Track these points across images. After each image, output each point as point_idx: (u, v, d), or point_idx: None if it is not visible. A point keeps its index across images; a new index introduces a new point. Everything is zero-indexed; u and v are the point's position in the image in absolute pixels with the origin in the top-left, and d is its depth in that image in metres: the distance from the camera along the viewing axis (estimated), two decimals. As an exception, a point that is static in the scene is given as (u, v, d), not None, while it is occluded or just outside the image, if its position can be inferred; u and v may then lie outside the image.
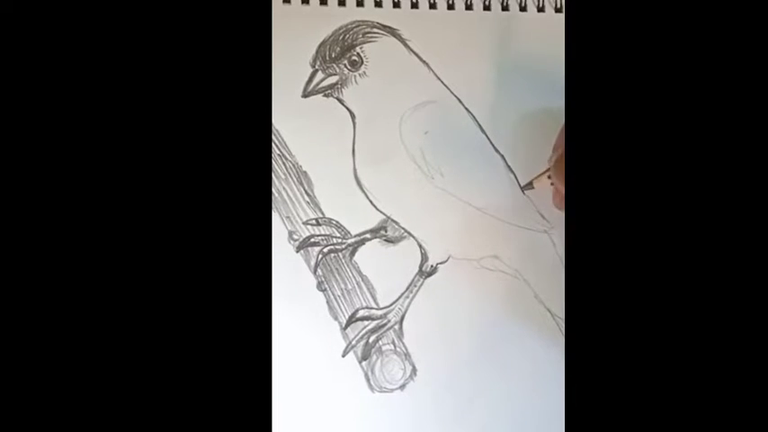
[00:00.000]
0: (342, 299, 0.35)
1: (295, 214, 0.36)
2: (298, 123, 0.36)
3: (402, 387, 0.34)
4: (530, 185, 0.35)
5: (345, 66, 0.36)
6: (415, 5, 0.38)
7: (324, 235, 0.35)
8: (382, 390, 0.34)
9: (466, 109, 0.36)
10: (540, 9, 0.39)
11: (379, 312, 0.35)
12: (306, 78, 0.36)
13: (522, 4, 0.39)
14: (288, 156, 0.36)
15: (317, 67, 0.36)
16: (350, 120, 0.36)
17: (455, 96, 0.37)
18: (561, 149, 0.31)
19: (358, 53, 0.37)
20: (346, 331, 0.35)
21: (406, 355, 0.34)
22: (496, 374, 0.34)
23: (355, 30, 0.37)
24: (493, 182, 0.36)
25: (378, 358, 0.34)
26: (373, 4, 0.38)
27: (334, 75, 0.36)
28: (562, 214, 0.33)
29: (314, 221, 0.35)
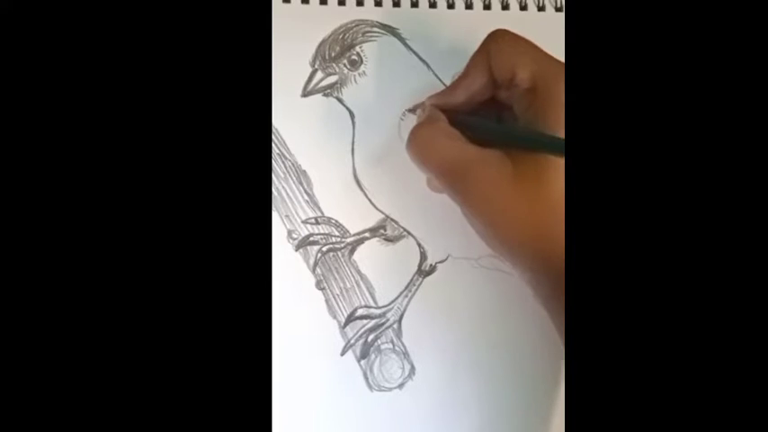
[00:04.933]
0: (340, 297, 0.35)
1: (294, 213, 0.36)
2: (297, 123, 0.36)
3: (401, 386, 0.34)
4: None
5: (345, 65, 0.36)
6: (414, 5, 0.38)
7: (323, 234, 0.35)
8: (381, 389, 0.34)
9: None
10: (541, 8, 0.39)
11: (378, 311, 0.35)
12: (305, 78, 0.36)
13: (523, 4, 0.39)
14: (287, 155, 0.36)
15: (316, 66, 0.36)
16: (349, 119, 0.36)
17: (455, 95, 0.37)
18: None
19: (357, 52, 0.37)
20: (345, 330, 0.35)
21: (404, 354, 0.35)
22: (495, 374, 0.34)
23: (355, 29, 0.37)
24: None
25: (376, 357, 0.34)
26: (373, 3, 0.38)
27: (334, 74, 0.36)
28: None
29: (313, 220, 0.36)
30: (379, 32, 0.37)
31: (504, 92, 0.30)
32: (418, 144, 0.29)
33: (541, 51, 0.29)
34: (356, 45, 0.37)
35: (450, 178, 0.28)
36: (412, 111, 0.35)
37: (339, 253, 0.35)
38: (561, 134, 0.26)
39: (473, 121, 0.30)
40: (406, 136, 0.30)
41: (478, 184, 0.27)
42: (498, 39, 0.30)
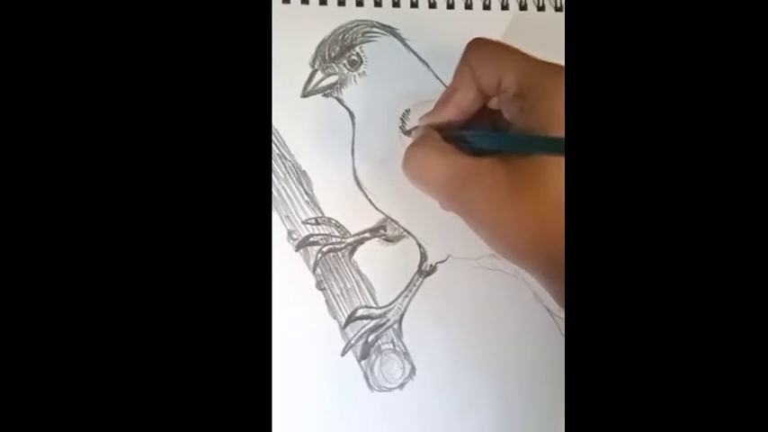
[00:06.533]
0: (341, 298, 0.35)
1: (294, 213, 0.36)
2: (297, 123, 0.36)
3: (401, 386, 0.34)
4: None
5: (345, 65, 0.36)
6: (414, 5, 0.38)
7: (323, 234, 0.35)
8: (381, 389, 0.34)
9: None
10: (540, 8, 0.39)
11: (379, 311, 0.35)
12: (305, 78, 0.36)
13: (522, 3, 0.39)
14: (287, 155, 0.36)
15: (316, 66, 0.37)
16: (349, 119, 0.36)
17: (454, 95, 0.37)
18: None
19: (357, 53, 0.37)
20: (345, 330, 0.35)
21: (405, 354, 0.35)
22: (496, 374, 0.34)
23: (355, 29, 0.37)
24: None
25: (377, 357, 0.34)
26: (373, 3, 0.38)
27: (334, 74, 0.36)
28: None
29: (313, 221, 0.36)
30: (378, 32, 0.37)
31: (494, 99, 0.30)
32: (413, 165, 0.30)
33: (522, 54, 0.29)
34: (356, 45, 0.37)
35: (449, 193, 0.28)
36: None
37: (339, 253, 0.35)
38: (555, 133, 0.26)
39: (469, 135, 0.30)
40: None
41: (476, 194, 0.27)
42: (478, 48, 0.30)
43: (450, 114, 0.31)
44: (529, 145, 0.27)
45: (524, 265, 0.28)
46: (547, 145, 0.26)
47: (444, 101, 0.31)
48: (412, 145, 0.30)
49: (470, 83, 0.30)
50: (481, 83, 0.29)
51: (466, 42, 0.30)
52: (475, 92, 0.30)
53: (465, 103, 0.30)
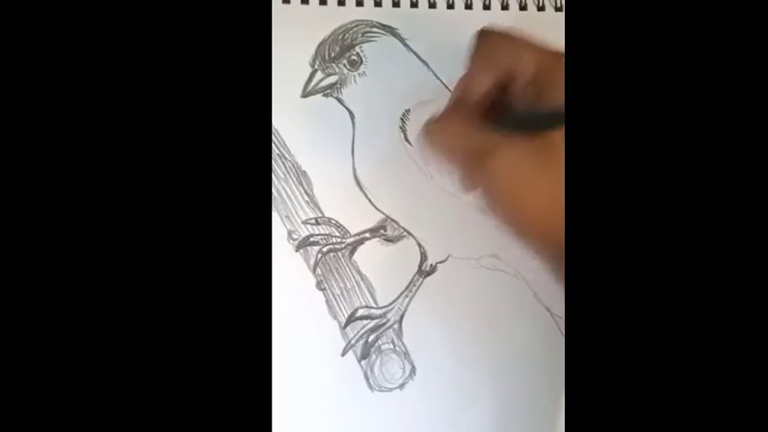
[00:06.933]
0: (341, 298, 0.35)
1: (294, 214, 0.36)
2: (297, 123, 0.36)
3: (401, 386, 0.34)
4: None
5: (345, 65, 0.36)
6: (414, 5, 0.38)
7: (323, 234, 0.35)
8: (381, 389, 0.34)
9: (465, 108, 0.36)
10: (540, 8, 0.39)
11: (379, 312, 0.35)
12: (305, 78, 0.36)
13: (522, 4, 0.39)
14: (287, 155, 0.36)
15: (316, 66, 0.37)
16: (349, 119, 0.36)
17: (454, 95, 0.37)
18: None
19: (357, 53, 0.37)
20: (345, 330, 0.35)
21: (405, 354, 0.35)
22: (496, 374, 0.34)
23: (354, 29, 0.37)
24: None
25: (377, 357, 0.34)
26: (373, 3, 0.38)
27: (334, 74, 0.36)
28: None
29: (313, 221, 0.36)
30: (378, 32, 0.37)
31: (509, 86, 0.30)
32: (437, 132, 0.29)
33: (529, 42, 0.28)
34: (356, 45, 0.37)
35: (473, 163, 0.28)
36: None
37: (339, 253, 0.35)
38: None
39: (488, 120, 0.29)
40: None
41: (500, 167, 0.27)
42: (487, 38, 0.30)
43: (468, 103, 0.30)
44: (544, 119, 0.26)
45: (540, 248, 0.28)
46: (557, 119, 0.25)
47: (462, 91, 0.31)
48: (433, 119, 0.29)
49: (486, 72, 0.29)
50: (495, 71, 0.29)
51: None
52: (491, 80, 0.29)
53: (481, 91, 0.30)
